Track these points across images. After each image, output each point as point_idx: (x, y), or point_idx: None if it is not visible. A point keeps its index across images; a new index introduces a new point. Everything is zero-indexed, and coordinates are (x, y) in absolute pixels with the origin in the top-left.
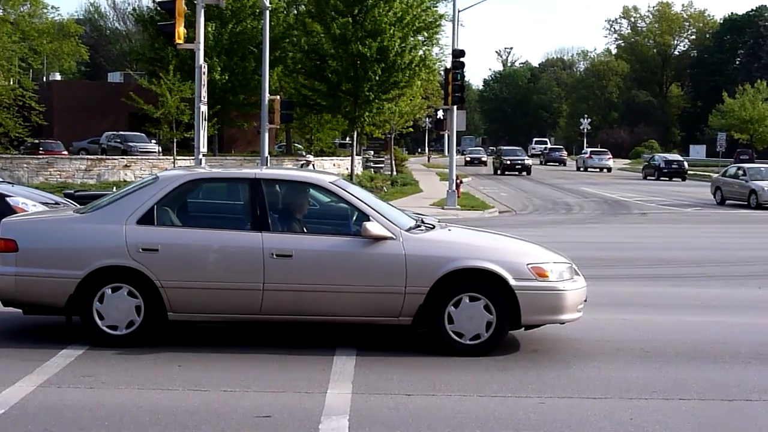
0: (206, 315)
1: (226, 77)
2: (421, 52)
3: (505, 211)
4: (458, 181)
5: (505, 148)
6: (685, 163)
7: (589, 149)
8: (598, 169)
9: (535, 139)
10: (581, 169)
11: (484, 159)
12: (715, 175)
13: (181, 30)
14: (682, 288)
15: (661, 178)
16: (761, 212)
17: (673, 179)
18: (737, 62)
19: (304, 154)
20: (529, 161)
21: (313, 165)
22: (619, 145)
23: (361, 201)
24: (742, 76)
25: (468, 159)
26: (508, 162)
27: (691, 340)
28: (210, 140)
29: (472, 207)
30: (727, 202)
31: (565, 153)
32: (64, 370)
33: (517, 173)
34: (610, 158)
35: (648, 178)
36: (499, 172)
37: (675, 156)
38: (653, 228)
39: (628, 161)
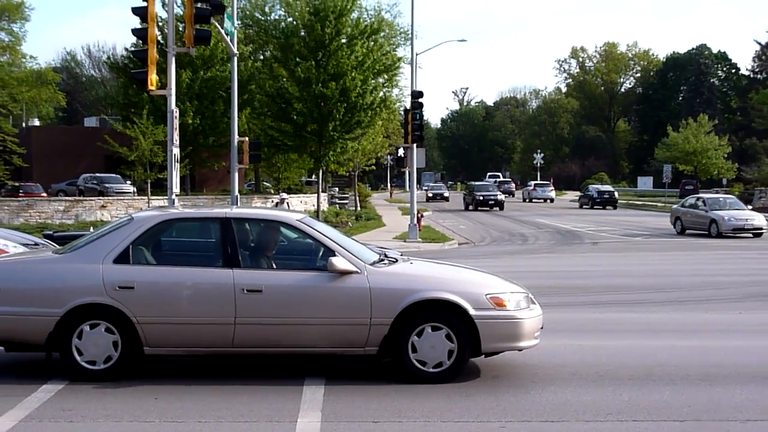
0: (181, 349)
1: (198, 120)
2: (381, 94)
3: (464, 243)
4: (419, 215)
5: (476, 183)
6: (616, 194)
7: (533, 182)
8: (542, 200)
9: (488, 174)
10: (526, 200)
11: (446, 194)
12: (675, 206)
13: (153, 77)
14: (633, 314)
15: (595, 207)
16: (721, 240)
17: (606, 207)
18: (680, 98)
19: (279, 193)
20: (501, 196)
21: (288, 203)
22: (571, 177)
23: (327, 237)
24: (685, 111)
25: (430, 195)
26: (481, 198)
27: (642, 364)
28: (182, 180)
29: (433, 239)
30: (687, 231)
31: (513, 185)
32: (45, 404)
33: (488, 209)
34: (552, 190)
35: (584, 207)
36: (471, 207)
37: (607, 187)
38: (604, 256)
39: (579, 193)
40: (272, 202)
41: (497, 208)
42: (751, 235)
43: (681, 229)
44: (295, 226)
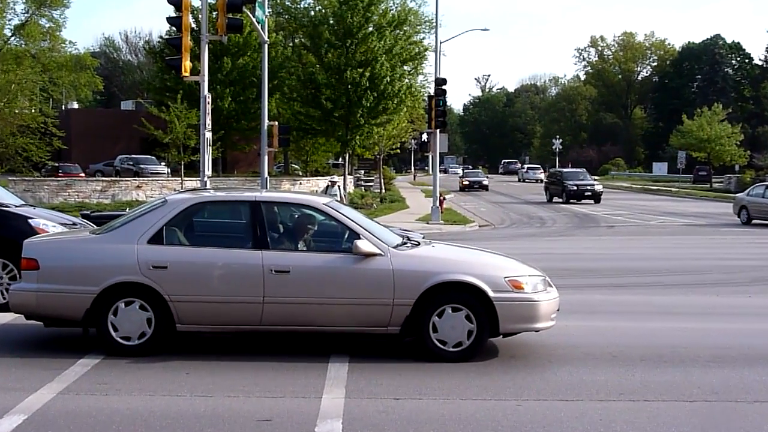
0: (211, 326)
1: (232, 105)
2: (407, 81)
3: (484, 225)
4: (441, 197)
5: (565, 170)
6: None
7: (526, 165)
8: (534, 181)
9: (504, 160)
10: (521, 181)
11: (485, 183)
12: (740, 195)
13: (187, 64)
14: (648, 296)
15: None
16: None
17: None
18: (695, 86)
19: (331, 177)
20: (599, 186)
21: (339, 187)
22: (588, 163)
23: (352, 221)
24: (699, 99)
25: (466, 183)
26: (574, 188)
27: (654, 345)
28: (215, 162)
29: (455, 222)
30: (754, 221)
31: (519, 165)
32: (82, 378)
33: (578, 201)
34: (542, 172)
35: None
36: (560, 199)
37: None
38: (620, 240)
39: (597, 177)
40: (319, 187)
41: (591, 201)
42: None
43: (747, 218)
44: (322, 209)
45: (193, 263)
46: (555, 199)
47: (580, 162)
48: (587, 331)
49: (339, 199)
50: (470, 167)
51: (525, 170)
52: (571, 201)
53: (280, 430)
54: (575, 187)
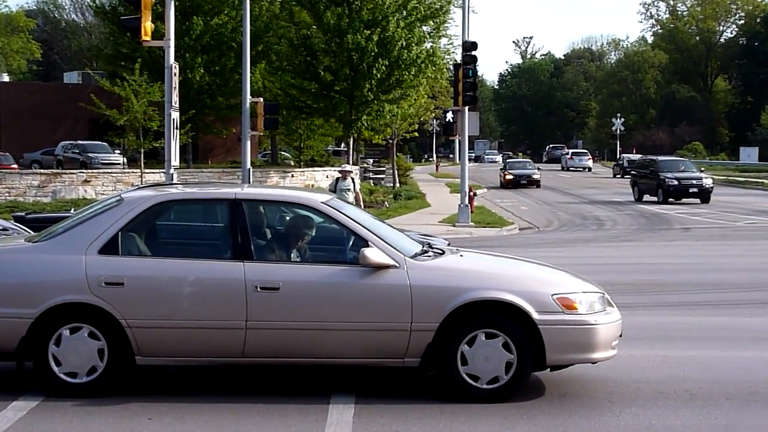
0: (180, 359)
1: (205, 78)
2: (427, 45)
3: (526, 228)
4: (471, 193)
5: (663, 159)
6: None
7: (570, 150)
8: (581, 169)
9: (549, 145)
10: (564, 169)
11: (536, 176)
12: None
13: (147, 25)
14: (734, 317)
15: (626, 176)
16: None
17: None
18: None
19: (342, 165)
20: (708, 181)
21: (353, 180)
22: (658, 147)
23: (359, 224)
24: None
25: (510, 177)
26: (675, 183)
27: (744, 380)
28: (183, 150)
29: (488, 224)
30: None
31: (590, 158)
32: (16, 425)
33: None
34: (589, 159)
35: (616, 176)
36: (658, 198)
37: (638, 156)
38: (699, 246)
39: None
40: (316, 182)
41: (697, 200)
42: None
43: None
44: (320, 209)
45: (156, 279)
46: (646, 197)
47: (647, 147)
48: (658, 362)
49: (353, 195)
50: (510, 155)
51: (569, 156)
52: (670, 200)
53: None
54: (675, 182)
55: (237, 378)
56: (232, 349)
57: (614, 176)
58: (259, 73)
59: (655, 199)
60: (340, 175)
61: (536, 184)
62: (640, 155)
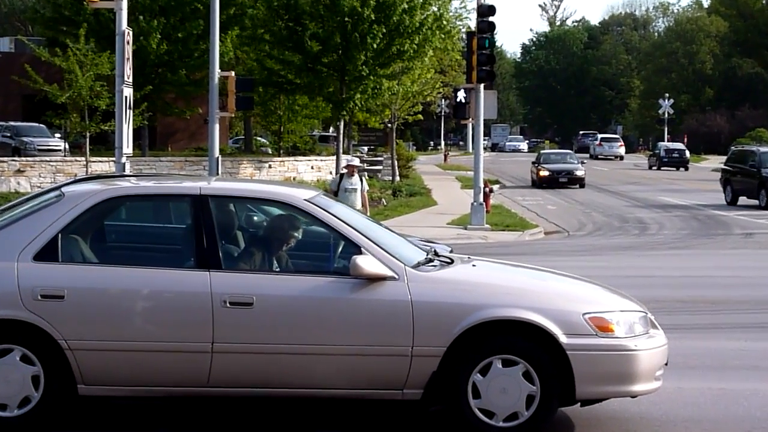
0: (132, 388)
1: (164, 46)
2: (434, 10)
3: (553, 232)
4: (487, 189)
5: (764, 150)
6: (687, 153)
7: (600, 136)
8: (612, 157)
9: (581, 132)
10: (593, 157)
11: (580, 173)
12: None
13: None
14: None
15: (662, 168)
16: None
17: (679, 169)
18: None
19: (350, 155)
20: None
21: (363, 179)
22: (715, 135)
23: (350, 226)
24: None
25: (545, 174)
26: None
27: None
28: (138, 134)
29: (507, 226)
30: None
31: (621, 145)
32: None
33: None
34: (621, 145)
35: (652, 168)
36: (758, 202)
37: (677, 144)
38: (764, 256)
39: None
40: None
41: None
42: None
43: None
44: (302, 207)
45: (103, 291)
46: (743, 199)
47: (701, 133)
48: (713, 397)
49: (361, 194)
50: (540, 142)
51: (597, 142)
52: None
53: None
54: None
55: (200, 413)
56: (196, 377)
57: (650, 168)
58: (231, 41)
59: (755, 202)
60: (345, 171)
61: (579, 182)
62: (681, 145)
